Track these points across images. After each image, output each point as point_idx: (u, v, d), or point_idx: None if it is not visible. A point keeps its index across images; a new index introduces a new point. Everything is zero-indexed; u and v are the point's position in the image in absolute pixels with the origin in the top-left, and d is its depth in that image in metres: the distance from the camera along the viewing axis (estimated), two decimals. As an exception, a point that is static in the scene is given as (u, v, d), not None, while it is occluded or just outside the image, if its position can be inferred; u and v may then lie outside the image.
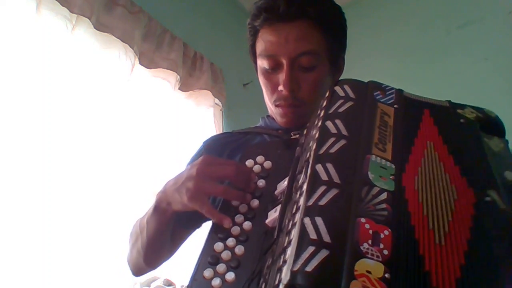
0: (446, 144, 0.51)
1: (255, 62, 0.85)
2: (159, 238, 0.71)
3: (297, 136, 0.67)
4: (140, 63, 1.77)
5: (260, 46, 0.80)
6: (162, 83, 1.90)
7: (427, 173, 0.48)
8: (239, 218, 0.57)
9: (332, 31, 0.80)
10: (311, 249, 0.38)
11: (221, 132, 2.10)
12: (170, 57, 1.92)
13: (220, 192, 0.58)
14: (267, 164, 0.63)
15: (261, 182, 0.61)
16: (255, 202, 0.58)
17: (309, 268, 0.37)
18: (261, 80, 0.82)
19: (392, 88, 0.57)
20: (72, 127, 1.51)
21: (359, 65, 2.20)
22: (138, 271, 0.82)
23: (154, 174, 1.72)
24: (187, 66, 2.03)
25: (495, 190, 0.47)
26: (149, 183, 1.68)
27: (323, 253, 0.37)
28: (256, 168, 0.63)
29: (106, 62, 1.66)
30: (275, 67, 0.78)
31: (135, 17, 1.77)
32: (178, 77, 1.93)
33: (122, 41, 1.69)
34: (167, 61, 1.91)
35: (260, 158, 0.64)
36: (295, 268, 0.37)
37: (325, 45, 0.78)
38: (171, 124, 1.91)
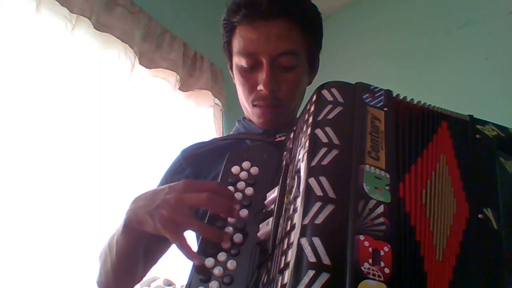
0: (457, 158, 0.50)
1: (230, 60, 0.81)
2: (130, 257, 0.67)
3: (283, 138, 0.64)
4: (140, 63, 1.77)
5: (238, 44, 0.76)
6: (162, 83, 1.90)
7: (437, 187, 0.46)
8: (228, 229, 0.54)
9: (312, 31, 0.78)
10: (311, 273, 0.36)
11: (220, 132, 2.10)
12: (170, 57, 1.92)
13: (196, 227, 0.54)
14: (254, 170, 0.60)
15: (249, 190, 0.58)
16: (244, 212, 0.55)
17: None
18: (238, 78, 0.79)
19: (381, 90, 0.55)
20: (72, 127, 1.51)
21: (359, 65, 2.20)
22: None
23: (154, 174, 1.72)
24: (187, 66, 2.03)
25: (493, 209, 0.46)
26: (149, 183, 1.68)
27: (324, 277, 0.36)
28: (243, 174, 0.60)
29: (106, 62, 1.66)
30: (253, 65, 0.75)
31: (135, 17, 1.77)
32: (178, 77, 1.93)
33: (122, 41, 1.69)
34: (167, 61, 1.91)
35: (246, 164, 0.61)
36: None
37: (304, 45, 0.76)
38: (171, 124, 1.91)
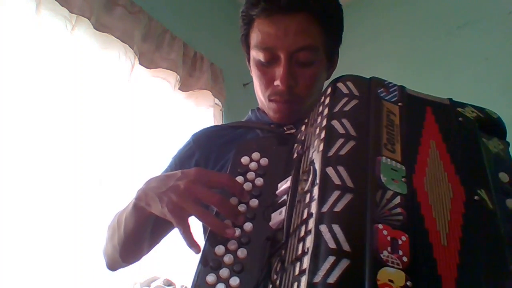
0: (445, 142, 0.51)
1: (248, 53, 0.81)
2: (137, 235, 0.69)
3: (293, 131, 0.64)
4: (140, 63, 1.77)
5: (255, 37, 0.75)
6: (162, 83, 1.90)
7: (432, 173, 0.47)
8: (239, 218, 0.54)
9: (331, 25, 0.76)
10: (331, 259, 0.36)
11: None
12: (170, 57, 1.92)
13: (201, 215, 0.54)
14: (264, 161, 0.61)
15: (259, 181, 0.58)
16: (255, 202, 0.56)
17: (331, 280, 0.35)
18: (255, 72, 0.78)
19: (395, 85, 0.55)
20: (72, 128, 1.51)
21: (358, 65, 2.20)
22: (113, 266, 0.78)
23: (154, 174, 1.71)
24: (187, 66, 2.03)
25: (485, 190, 0.46)
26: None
27: (344, 263, 0.36)
28: (253, 165, 0.60)
29: (106, 62, 1.66)
30: (271, 60, 0.74)
31: (135, 17, 1.77)
32: (178, 77, 1.93)
33: (122, 41, 1.69)
34: (167, 61, 1.91)
35: (255, 155, 0.61)
36: (317, 280, 0.36)
37: (323, 40, 0.75)
38: (171, 124, 1.91)
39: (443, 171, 0.48)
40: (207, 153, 0.79)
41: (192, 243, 0.54)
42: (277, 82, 0.74)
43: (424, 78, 1.97)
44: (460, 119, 0.54)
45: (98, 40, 1.63)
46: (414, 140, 0.50)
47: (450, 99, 0.58)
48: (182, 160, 0.82)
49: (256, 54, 0.76)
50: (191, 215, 0.55)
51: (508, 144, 0.54)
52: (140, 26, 1.78)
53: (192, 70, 2.07)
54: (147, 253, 0.77)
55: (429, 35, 2.08)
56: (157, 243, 0.78)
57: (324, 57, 0.77)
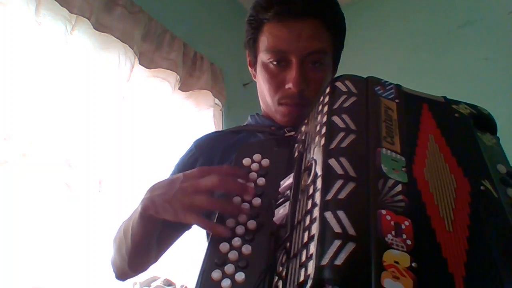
0: (444, 136, 0.53)
1: (254, 57, 0.81)
2: (144, 244, 0.69)
3: (292, 133, 0.65)
4: (140, 63, 1.77)
5: (266, 41, 0.76)
6: (162, 83, 1.90)
7: (432, 164, 0.49)
8: (242, 216, 0.55)
9: (339, 31, 0.79)
10: (337, 242, 0.38)
11: (220, 132, 2.09)
12: (170, 57, 1.92)
13: (216, 206, 0.56)
14: (265, 162, 0.62)
15: (261, 181, 0.59)
16: (257, 201, 0.57)
17: (338, 262, 0.37)
18: (263, 76, 0.78)
19: (391, 83, 0.58)
20: (71, 128, 1.51)
21: (357, 66, 2.20)
22: (122, 276, 0.78)
23: (154, 175, 1.72)
24: (187, 66, 2.03)
25: (489, 181, 0.49)
26: (149, 184, 1.68)
27: (350, 246, 0.38)
28: (254, 166, 0.62)
29: (106, 62, 1.66)
30: (282, 63, 0.75)
31: (135, 17, 1.77)
32: (178, 77, 1.93)
33: (122, 41, 1.69)
34: (167, 61, 1.91)
35: (257, 156, 0.63)
36: (324, 262, 0.37)
37: (331, 45, 0.77)
38: (171, 125, 1.91)
39: (444, 163, 0.50)
40: (210, 158, 0.80)
41: (217, 230, 0.54)
42: (288, 85, 0.75)
43: (424, 77, 1.98)
44: (456, 115, 0.57)
45: (98, 40, 1.63)
46: (412, 134, 0.52)
47: (445, 97, 0.60)
48: (186, 167, 0.81)
49: (266, 58, 0.77)
50: (204, 211, 0.56)
51: (498, 138, 0.57)
52: (140, 26, 1.78)
53: (192, 70, 2.07)
54: (154, 262, 0.77)
55: (429, 34, 2.08)
56: (164, 252, 0.79)
57: (331, 61, 0.79)
